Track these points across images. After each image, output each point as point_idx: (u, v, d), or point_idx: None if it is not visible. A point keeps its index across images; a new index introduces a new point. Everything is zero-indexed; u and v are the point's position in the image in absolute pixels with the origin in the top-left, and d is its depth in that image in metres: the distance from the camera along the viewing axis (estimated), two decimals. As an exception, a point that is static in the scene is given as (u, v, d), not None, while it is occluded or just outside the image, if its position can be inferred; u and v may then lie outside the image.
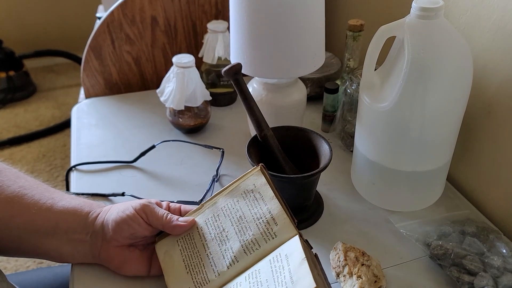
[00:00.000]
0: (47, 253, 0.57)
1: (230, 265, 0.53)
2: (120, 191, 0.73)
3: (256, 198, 0.56)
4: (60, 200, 0.58)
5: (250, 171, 0.58)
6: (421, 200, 0.70)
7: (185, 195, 0.73)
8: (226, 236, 0.55)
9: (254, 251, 0.53)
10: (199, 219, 0.58)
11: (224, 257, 0.54)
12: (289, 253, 0.50)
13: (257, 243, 0.53)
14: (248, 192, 0.56)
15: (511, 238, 0.65)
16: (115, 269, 0.58)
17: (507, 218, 0.67)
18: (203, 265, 0.54)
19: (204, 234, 0.56)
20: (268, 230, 0.53)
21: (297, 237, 0.52)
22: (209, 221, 0.57)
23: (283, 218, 0.53)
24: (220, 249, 0.54)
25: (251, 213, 0.55)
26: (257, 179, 0.57)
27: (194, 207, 0.60)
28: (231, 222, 0.56)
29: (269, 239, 0.53)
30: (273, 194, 0.55)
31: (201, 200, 0.69)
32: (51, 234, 0.56)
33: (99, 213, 0.58)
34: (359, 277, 0.55)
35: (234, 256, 0.53)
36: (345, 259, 0.58)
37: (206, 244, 0.55)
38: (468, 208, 0.71)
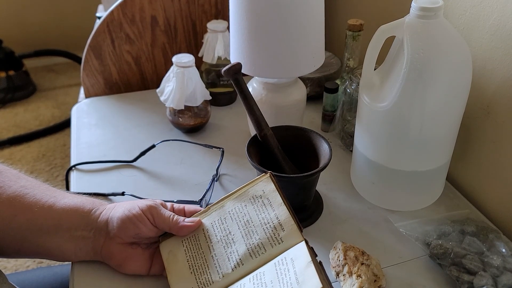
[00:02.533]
0: (49, 251, 0.57)
1: (235, 267, 0.54)
2: (120, 191, 0.73)
3: (264, 204, 0.57)
4: (62, 199, 0.58)
5: (259, 178, 0.58)
6: (420, 199, 0.70)
7: (185, 195, 0.73)
8: (232, 239, 0.55)
9: (260, 255, 0.54)
10: (206, 221, 0.58)
11: (229, 259, 0.54)
12: (295, 257, 0.51)
13: (263, 247, 0.54)
14: (257, 197, 0.57)
15: (511, 237, 0.65)
16: (116, 267, 0.58)
17: (507, 217, 0.67)
18: (207, 266, 0.55)
19: (210, 236, 0.57)
20: (274, 235, 0.54)
21: (303, 243, 0.53)
22: (215, 224, 0.57)
23: (290, 224, 0.54)
24: (226, 251, 0.55)
25: (258, 218, 0.56)
26: (266, 185, 0.58)
27: (197, 206, 0.61)
28: (238, 226, 0.56)
29: (275, 244, 0.54)
30: (281, 200, 0.56)
31: (201, 199, 0.69)
32: (54, 232, 0.56)
33: (102, 211, 0.58)
34: (358, 276, 0.55)
35: (240, 259, 0.54)
36: (345, 258, 0.58)
37: (212, 246, 0.56)
38: (468, 207, 0.71)
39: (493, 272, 0.56)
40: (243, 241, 0.55)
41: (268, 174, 0.58)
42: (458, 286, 0.57)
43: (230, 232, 0.56)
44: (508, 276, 0.55)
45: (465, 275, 0.56)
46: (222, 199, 0.59)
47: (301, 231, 0.54)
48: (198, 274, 0.54)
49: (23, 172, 0.61)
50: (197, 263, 0.55)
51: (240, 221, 0.56)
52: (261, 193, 0.57)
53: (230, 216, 0.57)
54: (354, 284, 0.55)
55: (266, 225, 0.55)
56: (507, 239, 0.62)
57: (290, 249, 0.53)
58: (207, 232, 0.57)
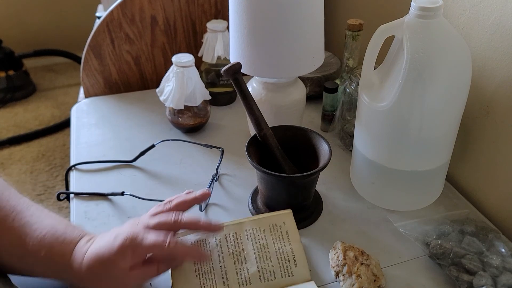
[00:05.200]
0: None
1: (242, 284, 0.55)
2: (120, 191, 0.73)
3: (282, 235, 0.59)
4: (33, 235, 0.52)
5: (281, 211, 0.61)
6: (420, 199, 0.70)
7: (184, 195, 0.73)
8: (244, 257, 0.57)
9: (268, 281, 0.55)
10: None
11: (237, 275, 0.55)
12: None
13: (274, 274, 0.56)
14: (276, 226, 0.59)
15: (510, 237, 0.65)
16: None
17: (506, 217, 0.67)
18: (214, 274, 0.55)
19: (222, 246, 0.57)
20: (287, 267, 0.56)
21: (313, 282, 0.56)
22: (229, 237, 0.58)
23: (303, 261, 0.57)
24: (236, 266, 0.56)
25: (274, 246, 0.58)
26: (287, 220, 0.60)
27: (197, 218, 0.60)
28: (253, 246, 0.57)
29: (285, 275, 0.56)
30: (300, 239, 0.59)
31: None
32: (33, 270, 0.53)
33: (79, 264, 0.51)
34: (358, 276, 0.56)
35: (249, 278, 0.55)
36: (344, 258, 0.58)
37: (222, 256, 0.57)
38: (467, 207, 0.71)
39: (493, 272, 0.56)
40: (256, 262, 0.56)
41: (290, 211, 0.61)
42: (458, 286, 0.57)
43: (243, 250, 0.57)
44: (508, 276, 0.55)
45: (465, 275, 0.56)
46: (240, 220, 0.60)
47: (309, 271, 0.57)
48: (203, 280, 0.55)
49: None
50: (204, 268, 0.56)
51: (256, 242, 0.58)
52: (281, 224, 0.59)
53: (247, 235, 0.58)
54: (353, 284, 0.55)
55: (281, 255, 0.57)
56: (507, 239, 0.62)
57: (299, 285, 0.55)
58: (220, 242, 0.58)
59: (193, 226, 0.55)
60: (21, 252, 0.52)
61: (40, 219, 0.54)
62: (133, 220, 0.56)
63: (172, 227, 0.54)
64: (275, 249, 0.57)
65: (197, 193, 0.58)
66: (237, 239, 0.58)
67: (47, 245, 0.52)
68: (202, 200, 0.60)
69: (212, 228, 0.56)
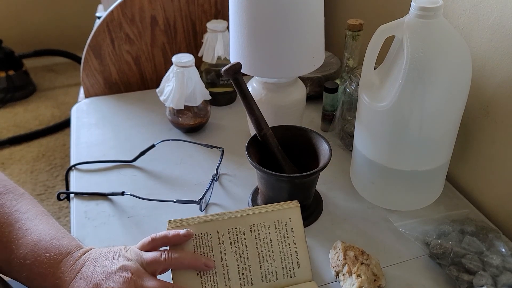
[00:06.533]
0: None
1: (244, 284, 0.54)
2: (120, 190, 0.73)
3: (287, 232, 0.57)
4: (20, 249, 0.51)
5: (287, 204, 0.59)
6: (420, 199, 0.70)
7: (184, 195, 0.73)
8: (247, 255, 0.56)
9: (270, 282, 0.55)
10: (222, 224, 0.57)
11: (239, 274, 0.55)
12: None
13: (276, 275, 0.55)
14: (282, 223, 0.58)
15: (510, 237, 0.65)
16: None
17: (506, 217, 0.67)
18: (215, 273, 0.54)
19: (224, 242, 0.56)
20: (289, 267, 0.56)
21: (314, 282, 0.55)
22: (232, 232, 0.57)
23: (306, 262, 0.56)
24: (238, 265, 0.55)
25: (278, 245, 0.57)
26: (294, 214, 0.58)
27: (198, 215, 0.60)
28: (256, 244, 0.56)
29: (287, 276, 0.55)
30: (304, 236, 0.57)
31: (201, 199, 0.69)
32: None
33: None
34: (358, 276, 0.56)
35: (251, 278, 0.55)
36: (345, 258, 0.58)
37: (225, 254, 0.55)
38: (467, 207, 0.71)
39: (493, 272, 0.56)
40: (258, 262, 0.55)
41: (297, 204, 0.59)
42: (458, 285, 0.57)
43: (246, 248, 0.56)
44: (508, 275, 0.55)
45: (465, 274, 0.56)
46: (244, 210, 0.58)
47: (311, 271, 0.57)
48: (204, 279, 0.54)
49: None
50: None
51: (260, 240, 0.57)
52: (287, 220, 0.58)
53: (251, 230, 0.57)
54: (353, 284, 0.55)
55: (285, 255, 0.56)
56: (507, 239, 0.62)
57: (301, 284, 0.55)
58: (222, 237, 0.56)
59: (166, 241, 0.54)
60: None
61: (28, 233, 0.52)
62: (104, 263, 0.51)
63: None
64: (279, 248, 0.56)
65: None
66: (241, 235, 0.56)
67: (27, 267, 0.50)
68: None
69: (182, 238, 0.54)
